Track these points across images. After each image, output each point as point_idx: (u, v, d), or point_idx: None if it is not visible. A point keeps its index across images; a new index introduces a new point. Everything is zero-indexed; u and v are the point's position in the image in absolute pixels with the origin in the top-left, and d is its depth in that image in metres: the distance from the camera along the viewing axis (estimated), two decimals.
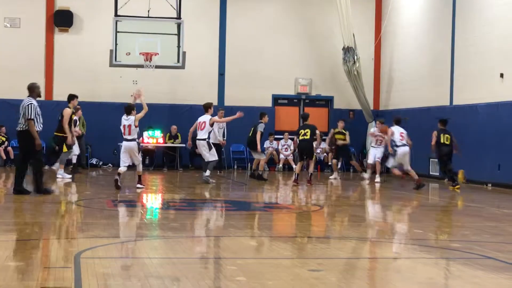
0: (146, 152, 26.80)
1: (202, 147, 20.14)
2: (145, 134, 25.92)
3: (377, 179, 22.60)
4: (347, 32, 27.14)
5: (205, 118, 20.27)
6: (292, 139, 27.17)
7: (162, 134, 26.27)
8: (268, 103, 28.45)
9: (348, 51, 27.29)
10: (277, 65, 28.43)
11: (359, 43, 27.43)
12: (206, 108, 20.53)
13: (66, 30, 27.14)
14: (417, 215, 14.49)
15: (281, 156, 27.58)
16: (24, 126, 15.06)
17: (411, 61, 26.62)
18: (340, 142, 23.56)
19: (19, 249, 9.01)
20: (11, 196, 15.28)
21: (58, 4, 27.10)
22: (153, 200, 16.69)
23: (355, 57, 27.31)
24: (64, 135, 20.07)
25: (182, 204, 15.58)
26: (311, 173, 21.09)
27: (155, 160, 26.97)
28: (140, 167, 18.14)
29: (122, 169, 17.78)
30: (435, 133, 20.75)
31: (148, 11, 21.79)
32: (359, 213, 14.94)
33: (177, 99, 27.53)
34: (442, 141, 20.50)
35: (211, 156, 20.05)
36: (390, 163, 21.19)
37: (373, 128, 25.17)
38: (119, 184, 17.41)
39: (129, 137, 17.74)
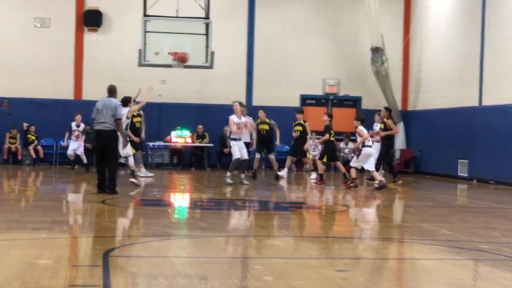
0: (174, 152, 26.93)
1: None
2: (173, 133, 26.00)
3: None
4: (375, 32, 27.04)
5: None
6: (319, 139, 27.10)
7: (190, 134, 26.35)
8: (296, 103, 28.41)
9: (377, 51, 27.20)
10: (305, 65, 28.39)
11: (387, 43, 27.32)
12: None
13: (95, 30, 27.30)
14: (445, 216, 14.40)
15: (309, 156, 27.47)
16: (109, 126, 15.31)
17: (439, 61, 26.45)
18: (295, 135, 22.50)
19: (47, 247, 9.07)
20: (39, 195, 15.40)
21: (87, 4, 27.26)
22: (180, 200, 16.74)
23: (383, 57, 27.22)
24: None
25: (209, 204, 15.61)
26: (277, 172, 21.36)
27: (183, 159, 27.03)
28: (130, 161, 18.35)
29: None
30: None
31: (177, 11, 21.84)
32: (386, 214, 14.88)
33: (205, 98, 27.58)
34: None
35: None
36: (353, 162, 20.77)
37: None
38: None
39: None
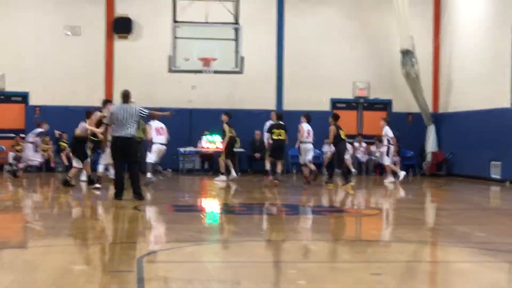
0: (204, 157, 26.97)
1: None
2: (204, 138, 26.04)
3: (390, 179, 22.76)
4: (405, 34, 26.90)
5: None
6: (350, 143, 27.08)
7: (221, 139, 26.34)
8: (327, 106, 28.36)
9: (407, 53, 27.05)
10: (335, 69, 28.32)
11: (417, 45, 27.16)
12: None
13: (126, 37, 27.44)
14: (479, 218, 14.30)
15: None
16: (133, 132, 15.44)
17: (470, 63, 26.25)
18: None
19: (82, 253, 9.14)
20: (72, 201, 15.51)
21: (117, 12, 27.43)
22: (212, 205, 16.78)
23: (414, 60, 27.06)
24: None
25: (241, 209, 15.62)
26: (278, 172, 21.43)
27: (214, 165, 27.05)
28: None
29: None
30: (333, 129, 20.65)
31: (206, 16, 21.93)
32: (418, 216, 14.80)
33: (236, 103, 27.58)
34: (342, 136, 20.76)
35: None
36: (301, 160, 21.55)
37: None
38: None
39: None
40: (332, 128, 20.65)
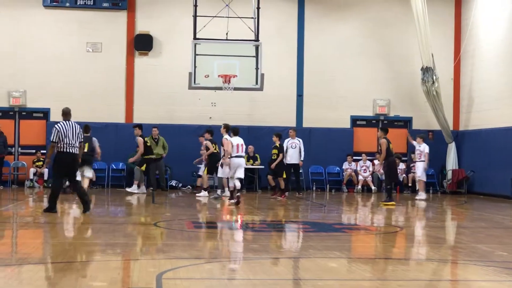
0: None
1: None
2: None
3: (422, 196, 22.93)
4: (425, 52, 26.87)
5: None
6: (370, 160, 27.02)
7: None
8: (347, 124, 28.33)
9: (427, 71, 26.99)
10: (355, 86, 28.32)
11: (438, 62, 27.12)
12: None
13: (146, 53, 27.58)
14: (500, 237, 14.17)
15: (360, 177, 27.39)
16: (77, 150, 15.90)
17: (491, 80, 26.16)
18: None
19: (101, 270, 9.13)
20: (90, 217, 15.54)
21: (138, 29, 27.58)
22: (232, 222, 16.75)
23: (434, 77, 27.00)
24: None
25: (261, 226, 15.58)
26: (282, 188, 22.53)
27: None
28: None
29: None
30: (384, 142, 20.67)
31: (227, 33, 21.97)
32: (440, 235, 14.70)
33: (256, 120, 27.64)
34: (392, 150, 21.06)
35: None
36: (220, 173, 21.95)
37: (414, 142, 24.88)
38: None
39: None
40: (384, 142, 20.62)
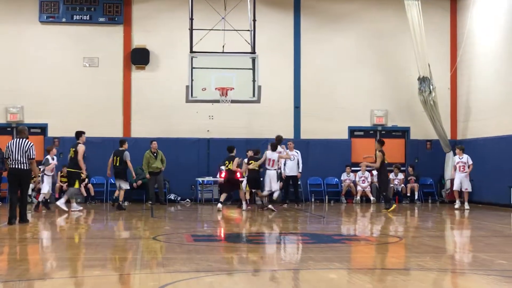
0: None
1: None
2: (223, 168, 26.01)
3: (466, 206, 23.11)
4: (422, 62, 26.94)
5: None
6: (369, 171, 27.02)
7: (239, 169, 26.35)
8: (344, 135, 28.35)
9: (424, 81, 27.06)
10: (353, 97, 28.35)
11: (434, 72, 27.18)
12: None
13: (143, 67, 27.63)
14: (500, 246, 14.16)
15: (358, 188, 27.38)
16: (26, 165, 16.96)
17: (488, 89, 26.20)
18: (250, 167, 22.96)
19: (101, 285, 9.10)
20: (91, 232, 15.51)
21: (134, 43, 27.65)
22: (231, 234, 16.73)
23: (431, 87, 27.06)
24: (78, 171, 21.70)
25: (260, 238, 15.57)
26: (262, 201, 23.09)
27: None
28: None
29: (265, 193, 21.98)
30: (380, 155, 21.91)
31: (223, 46, 22.02)
32: (439, 244, 14.69)
33: (253, 133, 27.65)
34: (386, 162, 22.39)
35: None
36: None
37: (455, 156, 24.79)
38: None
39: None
40: (380, 154, 21.65)
